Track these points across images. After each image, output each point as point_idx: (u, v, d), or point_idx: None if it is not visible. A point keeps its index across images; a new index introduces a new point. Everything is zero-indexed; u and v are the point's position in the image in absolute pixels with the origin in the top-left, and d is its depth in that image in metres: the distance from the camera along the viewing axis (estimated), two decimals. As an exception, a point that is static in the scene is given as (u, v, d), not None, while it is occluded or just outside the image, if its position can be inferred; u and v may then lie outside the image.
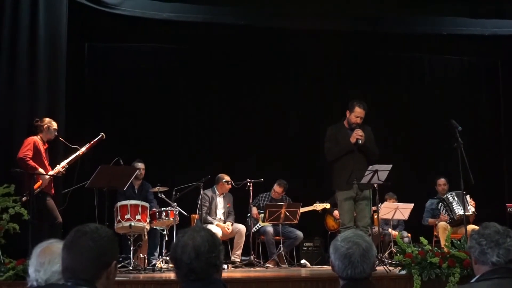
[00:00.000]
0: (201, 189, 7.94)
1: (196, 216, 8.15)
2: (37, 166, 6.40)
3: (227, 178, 8.32)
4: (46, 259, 2.50)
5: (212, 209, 8.30)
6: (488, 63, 10.71)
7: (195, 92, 9.73)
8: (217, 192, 8.40)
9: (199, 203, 8.01)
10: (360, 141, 6.45)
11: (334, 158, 6.57)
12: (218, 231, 7.63)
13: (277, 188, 8.60)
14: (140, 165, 7.92)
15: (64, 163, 6.72)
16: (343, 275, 2.45)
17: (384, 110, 10.05)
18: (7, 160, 6.66)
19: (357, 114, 6.54)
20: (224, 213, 8.42)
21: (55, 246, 2.54)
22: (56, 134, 6.73)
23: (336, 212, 8.32)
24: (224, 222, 8.28)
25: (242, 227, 8.28)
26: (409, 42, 9.81)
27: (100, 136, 6.99)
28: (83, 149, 6.82)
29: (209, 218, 8.18)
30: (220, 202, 8.43)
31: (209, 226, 7.62)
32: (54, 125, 6.68)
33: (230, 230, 8.19)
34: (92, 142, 6.92)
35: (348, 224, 6.48)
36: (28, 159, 6.36)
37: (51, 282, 2.46)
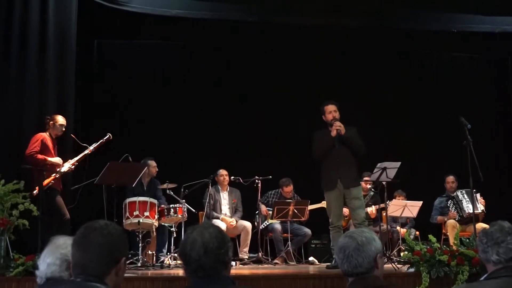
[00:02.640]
0: (209, 186, 7.96)
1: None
2: (45, 157, 6.48)
3: (222, 171, 8.34)
4: (47, 252, 2.54)
5: (216, 205, 8.29)
6: (497, 60, 10.66)
7: (203, 89, 9.75)
8: (220, 188, 8.40)
9: (204, 200, 8.08)
10: (340, 132, 6.38)
11: (319, 155, 6.52)
12: (222, 226, 7.64)
13: (286, 188, 8.58)
14: (152, 162, 7.95)
15: (73, 160, 6.76)
16: (343, 270, 2.48)
17: (393, 106, 10.03)
18: (17, 157, 6.70)
19: (329, 110, 6.55)
20: (230, 208, 8.42)
21: (60, 240, 2.57)
22: (64, 130, 6.76)
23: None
24: (231, 218, 8.30)
25: (247, 224, 8.28)
26: (418, 39, 9.78)
27: (107, 136, 7.00)
28: (91, 147, 6.85)
29: (214, 213, 8.19)
30: (224, 197, 8.44)
31: (214, 221, 7.63)
32: (60, 121, 6.70)
33: (234, 224, 8.19)
34: (99, 142, 6.94)
35: (336, 223, 6.50)
36: (35, 153, 6.42)
37: (51, 276, 2.49)
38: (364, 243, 2.46)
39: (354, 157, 6.50)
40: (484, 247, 2.61)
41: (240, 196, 8.55)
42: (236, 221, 8.30)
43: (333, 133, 6.40)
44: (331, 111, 6.54)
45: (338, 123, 6.40)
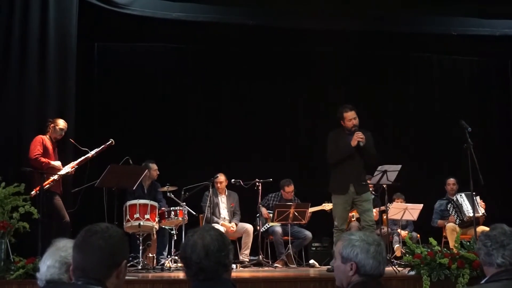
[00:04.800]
0: (210, 189, 7.95)
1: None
2: (48, 161, 6.52)
3: (219, 178, 8.28)
4: (47, 255, 2.55)
5: (215, 209, 8.27)
6: (498, 64, 10.66)
7: (204, 92, 9.75)
8: (217, 192, 8.39)
9: (203, 204, 8.11)
10: (361, 143, 6.37)
11: (336, 160, 6.50)
12: (222, 230, 7.60)
13: (287, 188, 8.57)
14: (153, 165, 7.95)
15: (73, 163, 6.77)
16: (375, 273, 2.48)
17: (393, 110, 10.04)
18: (18, 160, 6.71)
19: (349, 118, 6.48)
20: (228, 212, 8.41)
21: (61, 242, 2.58)
22: (63, 134, 6.77)
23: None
24: (230, 222, 8.29)
25: (249, 227, 8.28)
26: (419, 42, 9.78)
27: (110, 142, 7.02)
28: (93, 152, 6.87)
29: (214, 218, 8.18)
30: (222, 201, 8.43)
31: (214, 226, 7.62)
32: (60, 124, 6.71)
33: (234, 229, 8.19)
34: (101, 147, 6.95)
35: (340, 227, 6.48)
36: (39, 156, 6.45)
37: (50, 279, 2.49)
38: (384, 247, 2.53)
39: (365, 164, 6.48)
40: (488, 250, 2.60)
41: (238, 199, 8.53)
42: (236, 225, 8.29)
43: (354, 143, 6.36)
44: (351, 118, 6.47)
45: (360, 134, 6.37)
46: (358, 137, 6.36)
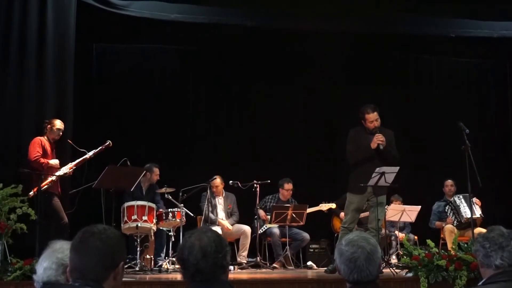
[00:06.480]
0: (208, 190, 7.95)
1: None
2: (47, 161, 6.54)
3: (216, 181, 8.25)
4: (44, 256, 2.55)
5: (212, 211, 8.26)
6: (496, 65, 10.68)
7: (202, 93, 9.75)
8: (214, 194, 8.38)
9: (201, 204, 8.11)
10: (381, 146, 6.33)
11: (355, 161, 6.45)
12: (218, 230, 7.62)
13: (286, 186, 8.54)
14: (156, 170, 7.95)
15: (71, 164, 6.77)
16: (350, 279, 2.43)
17: (392, 111, 10.02)
18: (15, 161, 6.70)
19: (370, 119, 6.40)
20: (225, 213, 8.40)
21: (57, 244, 2.58)
22: (61, 134, 6.77)
23: (342, 214, 8.31)
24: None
25: (247, 228, 8.27)
26: (417, 44, 9.79)
27: (107, 143, 7.01)
28: (90, 153, 6.86)
29: (212, 216, 8.16)
30: (220, 203, 8.42)
31: (212, 226, 7.62)
32: (57, 125, 6.72)
33: (230, 229, 8.18)
34: (98, 149, 6.95)
35: (348, 225, 6.42)
36: (39, 158, 6.47)
37: (47, 280, 2.49)
38: (373, 251, 2.42)
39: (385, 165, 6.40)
40: (486, 252, 2.60)
41: (235, 201, 8.53)
42: (232, 224, 8.27)
43: (374, 145, 6.32)
44: (372, 120, 6.40)
45: (380, 137, 6.31)
46: (378, 140, 6.31)
